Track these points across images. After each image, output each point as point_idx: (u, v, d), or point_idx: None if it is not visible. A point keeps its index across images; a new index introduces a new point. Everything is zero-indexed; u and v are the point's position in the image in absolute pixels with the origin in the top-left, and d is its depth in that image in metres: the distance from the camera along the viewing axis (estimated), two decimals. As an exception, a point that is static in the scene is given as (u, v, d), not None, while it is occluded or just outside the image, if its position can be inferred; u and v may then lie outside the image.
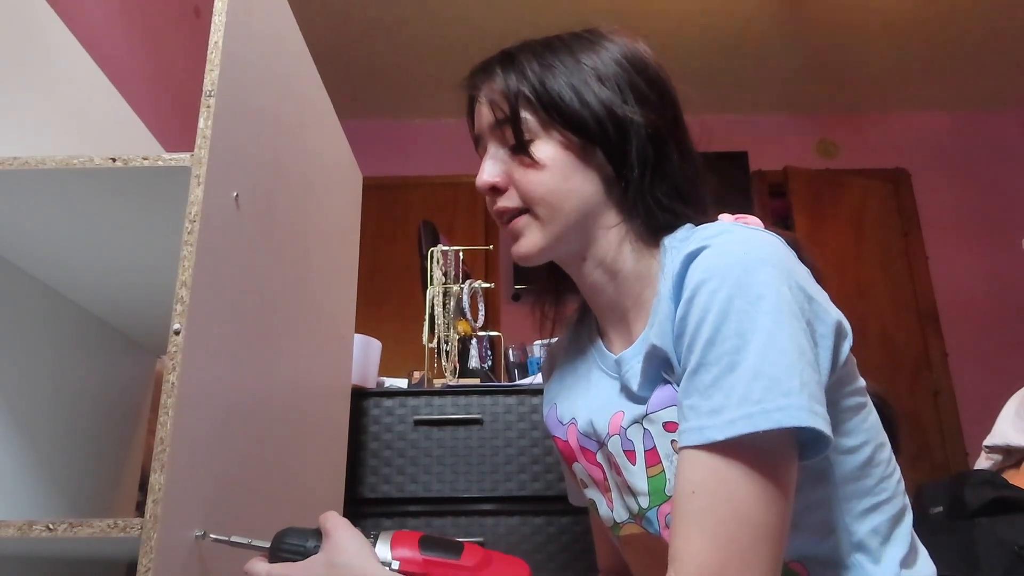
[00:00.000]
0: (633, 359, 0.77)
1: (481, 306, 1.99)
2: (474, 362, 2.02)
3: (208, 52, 0.81)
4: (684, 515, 0.63)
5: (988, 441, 1.84)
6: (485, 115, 0.83)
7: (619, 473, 0.78)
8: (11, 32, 1.05)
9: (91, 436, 1.20)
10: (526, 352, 2.15)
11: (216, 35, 0.82)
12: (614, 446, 0.78)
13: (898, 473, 0.77)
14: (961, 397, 3.62)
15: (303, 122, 1.13)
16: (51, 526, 0.68)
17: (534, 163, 0.79)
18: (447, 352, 1.93)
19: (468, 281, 1.99)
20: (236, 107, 0.85)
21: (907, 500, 0.78)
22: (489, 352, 2.13)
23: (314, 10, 3.39)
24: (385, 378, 1.95)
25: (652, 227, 0.80)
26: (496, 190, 0.82)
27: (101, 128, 1.27)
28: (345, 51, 3.70)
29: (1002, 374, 2.88)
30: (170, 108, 2.35)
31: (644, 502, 0.75)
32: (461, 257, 2.06)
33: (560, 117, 0.79)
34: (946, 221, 4.02)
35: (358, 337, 1.70)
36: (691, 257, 0.69)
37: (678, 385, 0.69)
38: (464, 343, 2.01)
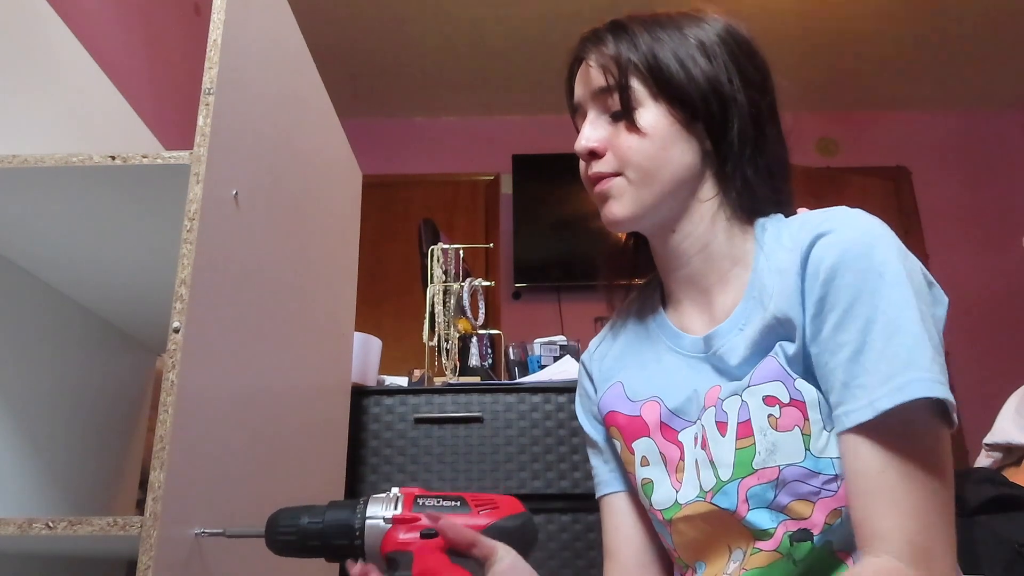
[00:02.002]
0: (730, 333, 0.79)
1: (481, 304, 1.99)
2: (474, 360, 2.02)
3: (207, 50, 0.81)
4: (875, 493, 0.66)
5: (988, 439, 1.84)
6: (592, 80, 0.84)
7: (704, 447, 0.78)
8: (11, 30, 1.05)
9: (91, 434, 1.20)
10: (526, 350, 2.15)
11: (215, 33, 0.82)
12: (708, 419, 0.78)
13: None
14: (961, 395, 3.60)
15: (302, 120, 1.12)
16: (51, 524, 0.68)
17: (636, 130, 0.80)
18: (447, 350, 1.93)
19: (468, 279, 1.99)
20: (235, 105, 0.84)
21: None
22: (489, 350, 2.13)
23: (313, 8, 3.39)
24: (385, 376, 1.95)
25: (745, 205, 0.83)
26: (594, 154, 0.83)
27: (100, 126, 1.27)
28: (344, 49, 3.69)
29: (1002, 372, 2.87)
30: (169, 106, 2.35)
31: (725, 474, 0.75)
32: (461, 255, 2.06)
33: (667, 88, 0.81)
34: (946, 219, 4.01)
35: (358, 335, 1.70)
36: (821, 235, 0.73)
37: (789, 355, 0.73)
38: (464, 341, 2.01)
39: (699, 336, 0.83)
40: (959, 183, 4.09)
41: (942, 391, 0.66)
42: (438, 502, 0.70)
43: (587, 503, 1.65)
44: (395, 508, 0.69)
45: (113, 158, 0.78)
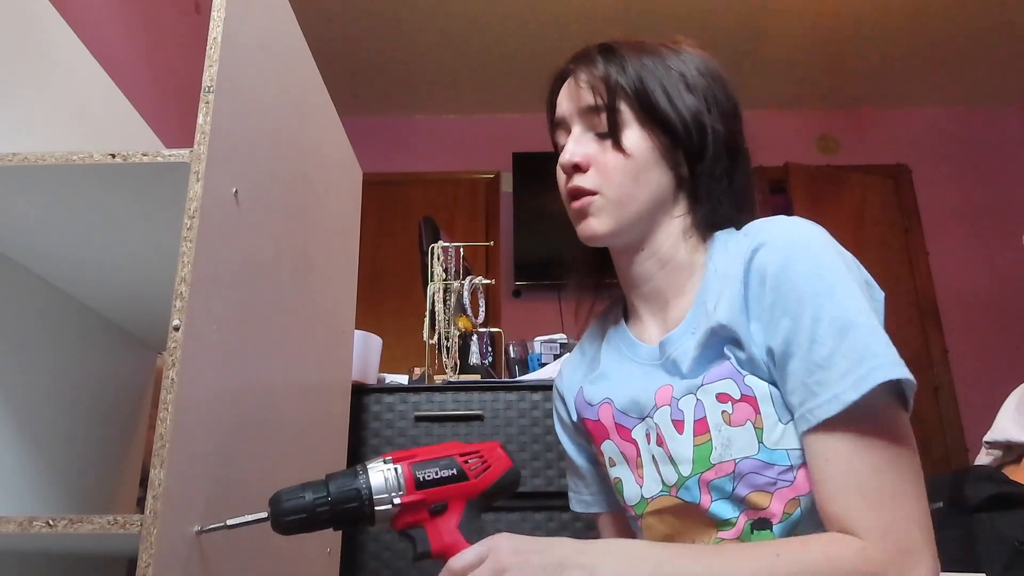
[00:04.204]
0: (681, 338, 0.82)
1: (482, 302, 1.99)
2: (475, 358, 2.02)
3: (208, 48, 0.81)
4: (846, 491, 0.68)
5: (988, 437, 1.84)
6: (581, 97, 0.88)
7: (660, 444, 0.81)
8: (11, 28, 1.05)
9: (91, 432, 1.20)
10: (527, 348, 2.15)
11: (215, 31, 0.82)
12: (661, 417, 0.81)
13: None
14: (961, 393, 3.62)
15: (303, 118, 1.12)
16: (51, 522, 0.68)
17: (621, 150, 0.85)
18: (448, 348, 1.93)
19: (469, 277, 1.99)
20: (235, 103, 0.84)
21: None
22: (490, 348, 2.13)
23: (313, 6, 3.38)
24: (386, 374, 1.95)
25: (710, 223, 0.87)
26: (577, 169, 0.86)
27: (100, 124, 1.27)
28: (345, 47, 3.69)
29: (1002, 370, 2.88)
30: (170, 104, 2.35)
31: (686, 470, 0.78)
32: (462, 253, 2.06)
33: (652, 114, 0.85)
34: (947, 217, 4.01)
35: (358, 333, 1.70)
36: (761, 245, 0.77)
37: (740, 358, 0.76)
38: (465, 339, 2.01)
39: (654, 345, 0.86)
40: (959, 181, 4.09)
41: (902, 371, 0.68)
42: (436, 473, 0.72)
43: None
44: (399, 487, 0.71)
45: (113, 156, 0.78)
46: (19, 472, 1.03)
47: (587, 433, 0.94)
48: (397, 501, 0.70)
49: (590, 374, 0.94)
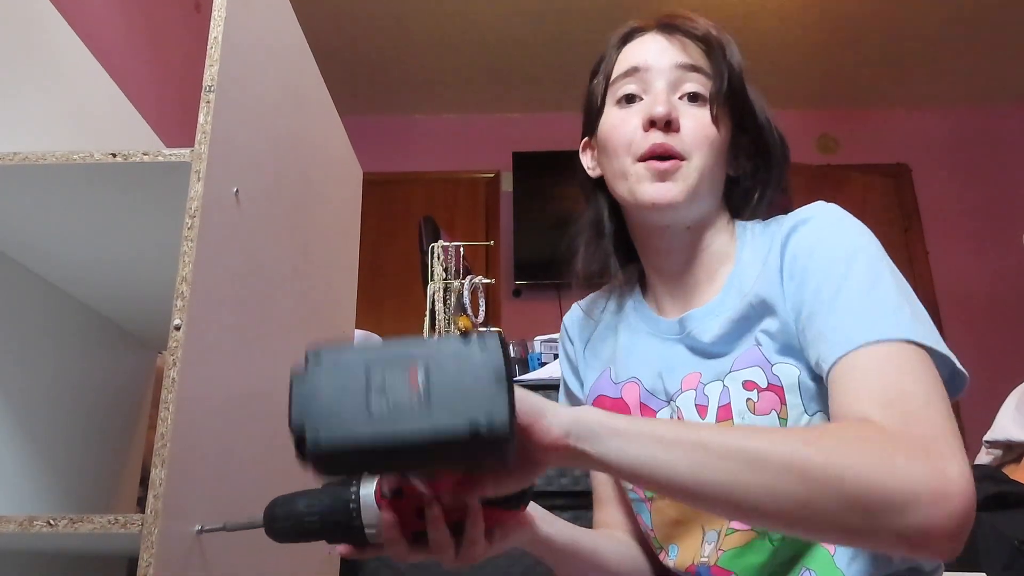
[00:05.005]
0: (705, 317, 0.81)
1: (482, 302, 1.99)
2: (475, 358, 2.02)
3: (208, 47, 0.81)
4: (875, 396, 0.62)
5: (988, 436, 1.84)
6: (681, 53, 0.84)
7: None
8: (11, 28, 1.05)
9: (92, 432, 1.20)
10: (527, 348, 2.14)
11: (216, 30, 0.82)
12: (685, 401, 0.80)
13: None
14: (961, 392, 3.61)
15: (303, 117, 1.12)
16: (52, 522, 0.68)
17: (717, 122, 0.82)
18: (448, 348, 1.93)
19: (469, 277, 1.99)
20: (236, 102, 0.84)
21: None
22: (490, 348, 2.12)
23: (314, 5, 3.38)
24: (386, 374, 1.95)
25: (746, 216, 0.88)
26: (669, 126, 0.81)
27: (101, 123, 1.27)
28: (345, 46, 3.69)
29: (1002, 369, 2.87)
30: (170, 103, 2.35)
31: None
32: (462, 253, 2.06)
33: (744, 100, 0.85)
34: (947, 216, 4.01)
35: (358, 333, 1.70)
36: (802, 222, 0.77)
37: (772, 333, 0.75)
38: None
39: (674, 319, 0.85)
40: (959, 180, 4.09)
41: (926, 337, 0.65)
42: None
43: (588, 500, 1.63)
44: (386, 488, 0.65)
45: (114, 155, 0.78)
46: (19, 472, 1.03)
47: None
48: (386, 492, 0.65)
49: (614, 352, 0.91)
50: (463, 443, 0.49)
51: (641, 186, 0.81)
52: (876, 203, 4.01)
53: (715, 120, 0.82)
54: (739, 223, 0.87)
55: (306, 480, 0.72)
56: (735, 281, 0.81)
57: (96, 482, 1.21)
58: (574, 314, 1.00)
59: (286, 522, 0.67)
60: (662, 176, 0.80)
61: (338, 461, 0.53)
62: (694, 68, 0.83)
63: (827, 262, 0.72)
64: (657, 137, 0.80)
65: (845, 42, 3.74)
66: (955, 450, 0.57)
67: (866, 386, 0.63)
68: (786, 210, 0.85)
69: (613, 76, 0.87)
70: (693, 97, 0.82)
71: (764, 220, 0.87)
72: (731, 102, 0.84)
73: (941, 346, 0.66)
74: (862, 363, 0.65)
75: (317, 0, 3.38)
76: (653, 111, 0.80)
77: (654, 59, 0.84)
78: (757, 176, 0.88)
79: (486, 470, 0.59)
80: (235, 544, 0.80)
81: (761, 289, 0.77)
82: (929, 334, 0.66)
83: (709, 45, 0.84)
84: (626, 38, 0.89)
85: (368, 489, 0.65)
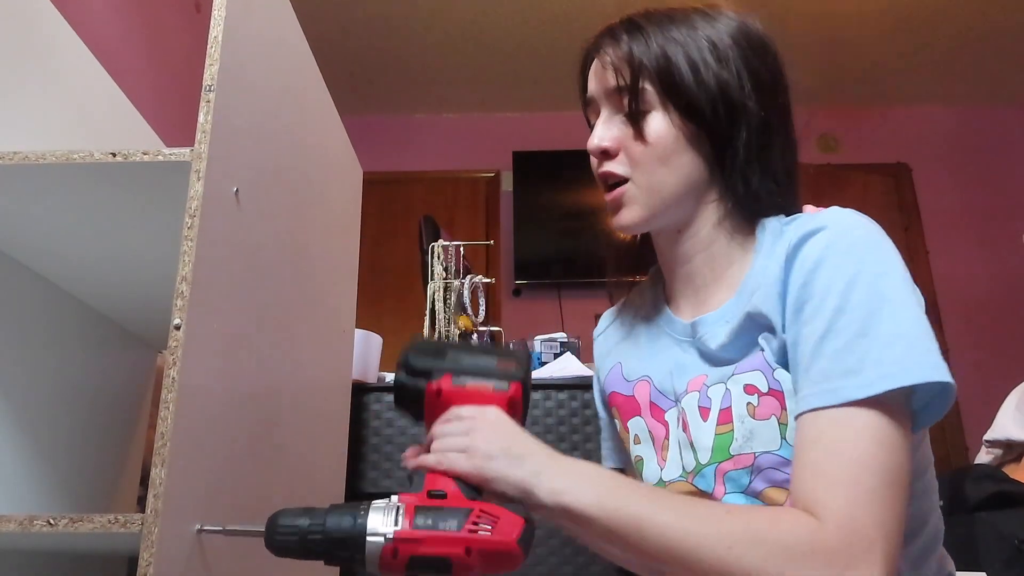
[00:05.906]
0: (715, 323, 0.81)
1: (482, 301, 1.99)
2: (475, 357, 2.02)
3: (208, 47, 0.81)
4: (828, 475, 0.64)
5: (988, 435, 1.85)
6: (605, 78, 0.84)
7: (685, 429, 0.80)
8: (11, 27, 1.05)
9: (92, 431, 1.20)
10: (527, 347, 2.14)
11: (216, 29, 0.82)
12: (689, 402, 0.80)
13: (935, 496, 0.80)
14: (961, 391, 3.57)
15: (303, 117, 1.12)
16: (52, 521, 0.68)
17: (643, 139, 0.81)
18: (448, 347, 1.93)
19: (469, 276, 1.99)
20: (236, 102, 0.84)
21: (941, 524, 0.81)
22: (490, 347, 2.13)
23: (314, 5, 3.38)
24: (386, 373, 1.95)
25: (748, 208, 0.83)
26: (606, 154, 0.83)
27: (101, 123, 1.27)
28: (345, 45, 3.69)
29: (1002, 369, 2.87)
30: (170, 103, 2.35)
31: (704, 457, 0.77)
32: (462, 252, 2.06)
33: (676, 94, 0.81)
34: (947, 216, 4.01)
35: (359, 332, 1.70)
36: (810, 234, 0.74)
37: (773, 347, 0.74)
38: (465, 338, 2.01)
39: (688, 322, 0.85)
40: (960, 180, 4.09)
41: (912, 377, 0.66)
42: (434, 523, 0.66)
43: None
44: (395, 523, 0.65)
45: (114, 155, 0.78)
46: (19, 471, 1.03)
47: (612, 408, 0.93)
48: (390, 534, 0.65)
49: (630, 349, 0.93)
50: None
51: (610, 217, 0.86)
52: (876, 202, 4.01)
53: (639, 134, 0.81)
54: (761, 221, 0.83)
55: (304, 478, 0.72)
56: (747, 287, 0.80)
57: (96, 481, 1.21)
58: (600, 326, 1.02)
59: (288, 536, 0.67)
60: (613, 205, 0.84)
61: None
62: (616, 91, 0.83)
63: (824, 291, 0.70)
64: (601, 167, 0.84)
65: (846, 41, 3.74)
66: (880, 558, 0.61)
67: (823, 460, 0.66)
68: (797, 194, 0.85)
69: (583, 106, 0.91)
70: (628, 117, 0.83)
71: (789, 212, 0.83)
72: (666, 98, 0.81)
73: (930, 375, 0.66)
74: (825, 429, 0.67)
75: (317, 0, 3.38)
76: (588, 147, 0.85)
77: (593, 89, 0.87)
78: (728, 160, 0.82)
79: None
80: (236, 544, 0.80)
81: (761, 303, 0.75)
82: (915, 367, 0.66)
83: (629, 57, 0.82)
84: (583, 64, 0.90)
85: (375, 534, 0.65)
